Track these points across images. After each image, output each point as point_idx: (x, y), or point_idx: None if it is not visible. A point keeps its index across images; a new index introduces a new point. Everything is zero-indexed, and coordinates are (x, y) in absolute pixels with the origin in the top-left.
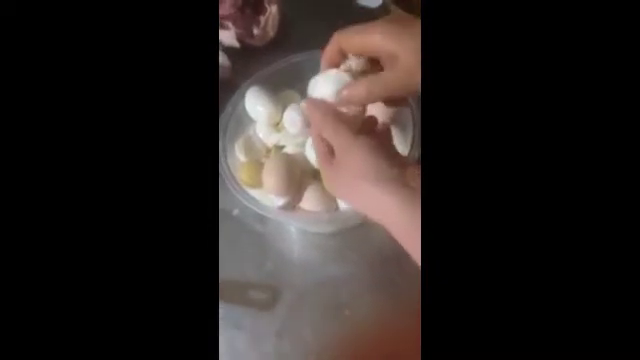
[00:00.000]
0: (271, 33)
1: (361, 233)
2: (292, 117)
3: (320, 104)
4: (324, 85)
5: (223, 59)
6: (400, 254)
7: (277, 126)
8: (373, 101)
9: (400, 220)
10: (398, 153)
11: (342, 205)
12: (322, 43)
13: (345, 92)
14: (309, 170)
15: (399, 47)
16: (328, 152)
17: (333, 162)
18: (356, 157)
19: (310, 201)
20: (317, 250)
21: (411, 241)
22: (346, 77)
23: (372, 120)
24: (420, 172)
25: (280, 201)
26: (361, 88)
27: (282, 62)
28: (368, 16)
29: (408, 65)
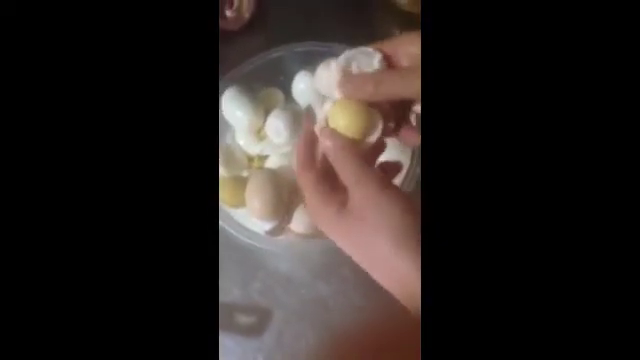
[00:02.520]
0: (246, 15)
1: None
2: (276, 126)
3: (338, 136)
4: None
5: None
6: None
7: (259, 133)
8: (379, 99)
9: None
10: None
11: None
12: (301, 27)
13: (350, 85)
14: (298, 187)
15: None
16: (332, 193)
17: (343, 210)
18: (383, 213)
19: (301, 222)
20: (307, 267)
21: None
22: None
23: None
24: None
25: (267, 225)
26: (369, 82)
27: (260, 57)
28: None
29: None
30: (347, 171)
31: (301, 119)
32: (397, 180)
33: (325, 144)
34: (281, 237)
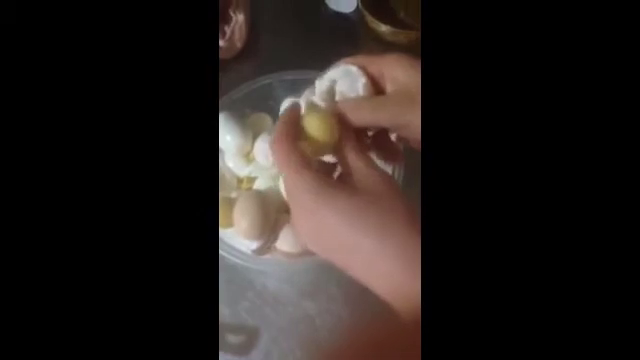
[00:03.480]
0: (238, 45)
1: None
2: (264, 149)
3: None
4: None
5: None
6: None
7: (248, 156)
8: (373, 124)
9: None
10: None
11: None
12: (294, 56)
13: (343, 109)
14: (284, 207)
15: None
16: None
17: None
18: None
19: (287, 241)
20: (294, 285)
21: (408, 302)
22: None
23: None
24: None
25: (254, 245)
26: (365, 107)
27: (250, 84)
28: (342, 22)
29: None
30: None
31: None
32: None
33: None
34: (267, 256)
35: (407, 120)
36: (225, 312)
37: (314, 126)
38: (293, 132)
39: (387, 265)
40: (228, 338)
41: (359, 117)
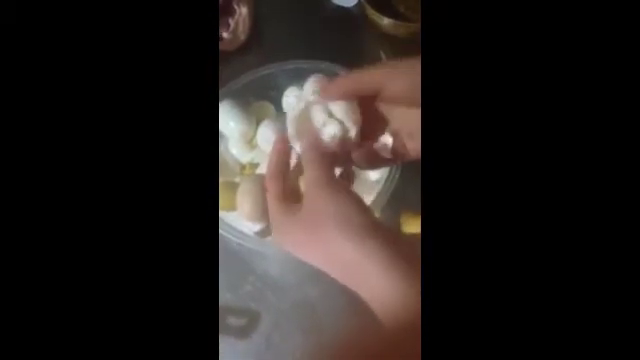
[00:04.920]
0: (242, 37)
1: None
2: (266, 135)
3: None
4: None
5: None
6: None
7: (251, 142)
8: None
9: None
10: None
11: None
12: (296, 48)
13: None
14: None
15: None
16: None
17: (298, 213)
18: (327, 203)
19: None
20: (295, 270)
21: (389, 309)
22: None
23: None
24: None
25: (257, 227)
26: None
27: (253, 72)
28: (344, 16)
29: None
30: (308, 170)
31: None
32: (371, 196)
33: (296, 147)
34: (269, 238)
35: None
36: (227, 296)
37: None
38: (281, 168)
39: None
40: (230, 321)
41: (340, 89)
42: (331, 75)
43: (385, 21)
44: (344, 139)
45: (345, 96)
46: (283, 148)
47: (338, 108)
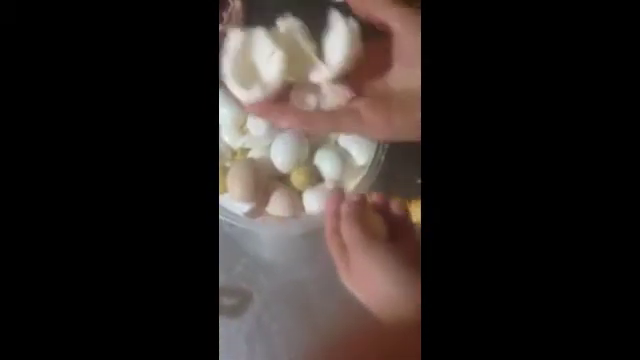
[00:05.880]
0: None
1: None
2: (256, 120)
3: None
4: None
5: None
6: None
7: (242, 128)
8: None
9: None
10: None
11: (308, 208)
12: None
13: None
14: (275, 174)
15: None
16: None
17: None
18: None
19: (277, 205)
20: (287, 252)
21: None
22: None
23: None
24: None
25: (246, 207)
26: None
27: None
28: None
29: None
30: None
31: None
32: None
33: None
34: (259, 219)
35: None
36: (221, 277)
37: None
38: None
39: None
40: (222, 301)
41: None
42: None
43: None
44: None
45: None
46: (335, 209)
47: None
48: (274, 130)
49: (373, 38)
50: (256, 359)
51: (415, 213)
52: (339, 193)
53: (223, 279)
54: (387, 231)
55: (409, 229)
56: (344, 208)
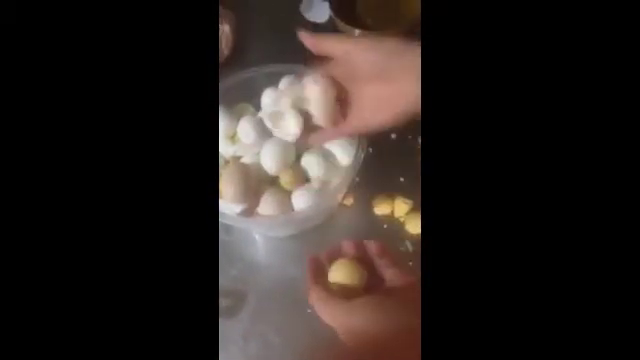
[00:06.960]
0: (225, 51)
1: (319, 234)
2: (246, 128)
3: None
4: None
5: None
6: None
7: (233, 138)
8: None
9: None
10: None
11: (297, 206)
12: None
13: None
14: (265, 177)
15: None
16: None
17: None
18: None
19: (267, 206)
20: (279, 253)
21: None
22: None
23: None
24: None
25: (238, 208)
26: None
27: (234, 78)
28: (318, 30)
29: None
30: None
31: (265, 125)
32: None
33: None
34: (250, 218)
35: None
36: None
37: (342, 274)
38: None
39: None
40: (219, 302)
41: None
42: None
43: (356, 32)
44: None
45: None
46: (316, 266)
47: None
48: (262, 138)
49: None
50: (252, 355)
51: (398, 209)
52: (314, 260)
53: (219, 282)
54: (366, 279)
55: (393, 272)
56: (307, 267)
